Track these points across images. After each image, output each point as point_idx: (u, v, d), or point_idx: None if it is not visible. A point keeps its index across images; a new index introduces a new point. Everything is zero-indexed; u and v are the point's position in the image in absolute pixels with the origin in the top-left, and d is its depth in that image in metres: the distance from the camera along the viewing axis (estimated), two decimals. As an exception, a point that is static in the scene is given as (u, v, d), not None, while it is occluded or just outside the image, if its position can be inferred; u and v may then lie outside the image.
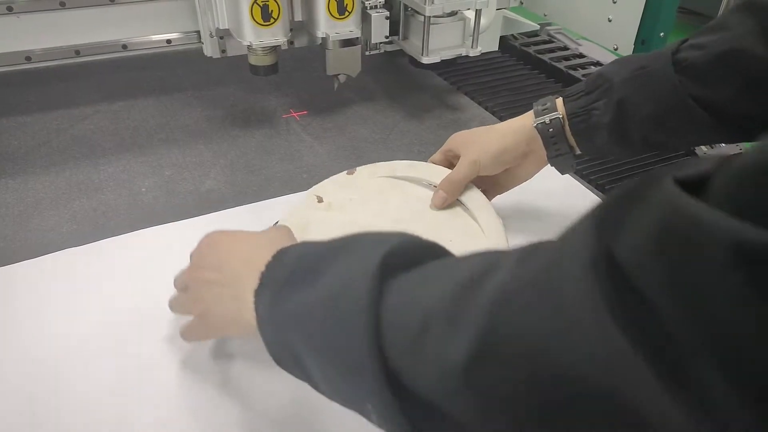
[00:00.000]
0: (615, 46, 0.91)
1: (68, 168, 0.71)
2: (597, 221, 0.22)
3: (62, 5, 0.75)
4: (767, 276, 0.16)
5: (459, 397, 0.25)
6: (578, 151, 0.57)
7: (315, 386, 0.34)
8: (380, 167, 0.65)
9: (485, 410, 0.25)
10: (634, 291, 0.19)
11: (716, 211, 0.17)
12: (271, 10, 0.72)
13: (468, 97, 0.92)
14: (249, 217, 0.64)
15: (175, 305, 0.47)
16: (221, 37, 0.80)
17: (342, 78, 0.83)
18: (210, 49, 0.81)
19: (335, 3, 0.75)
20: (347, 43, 0.79)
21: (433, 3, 0.75)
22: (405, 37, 0.85)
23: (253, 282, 0.37)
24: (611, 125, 0.53)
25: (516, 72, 1.01)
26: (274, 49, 0.76)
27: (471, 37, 0.82)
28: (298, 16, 0.79)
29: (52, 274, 0.56)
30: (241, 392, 0.46)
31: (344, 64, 0.81)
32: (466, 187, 0.62)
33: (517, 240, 0.62)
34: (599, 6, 0.90)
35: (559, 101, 0.57)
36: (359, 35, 0.79)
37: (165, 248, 0.59)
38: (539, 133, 0.57)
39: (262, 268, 0.37)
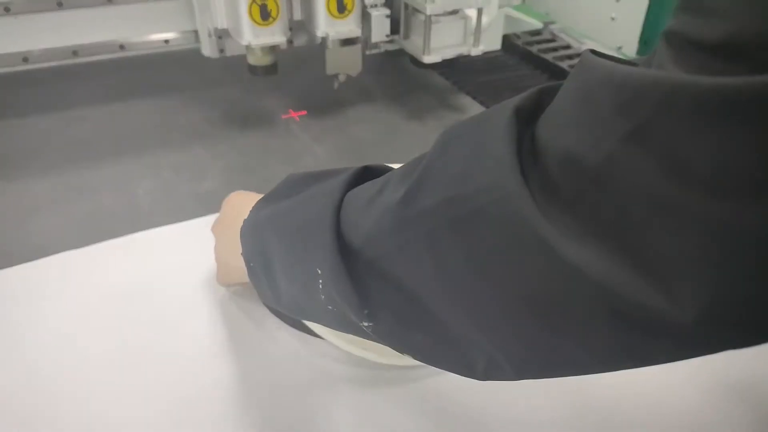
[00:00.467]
0: (619, 46, 0.90)
1: (65, 170, 0.71)
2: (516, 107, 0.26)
3: (59, 5, 0.74)
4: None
5: (392, 237, 0.29)
6: None
7: (276, 293, 0.39)
8: None
9: (410, 245, 0.28)
10: (534, 140, 0.25)
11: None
12: (270, 10, 0.71)
13: (470, 97, 0.91)
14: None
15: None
16: (219, 37, 0.79)
17: (342, 78, 0.82)
18: (208, 49, 0.80)
19: (335, 1, 0.74)
20: (347, 42, 0.78)
21: (434, 2, 0.74)
22: (406, 36, 0.84)
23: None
24: None
25: (518, 71, 1.00)
26: (273, 48, 0.75)
27: (473, 36, 0.81)
28: (298, 15, 0.78)
29: (49, 277, 0.55)
30: (240, 390, 0.45)
31: (344, 64, 0.81)
32: None
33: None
34: (602, 4, 0.89)
35: None
36: (359, 34, 0.78)
37: (163, 250, 0.58)
38: None
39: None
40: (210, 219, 0.62)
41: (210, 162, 0.73)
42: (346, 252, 0.31)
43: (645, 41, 0.86)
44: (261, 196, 0.45)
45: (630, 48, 0.88)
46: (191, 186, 0.69)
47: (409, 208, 0.28)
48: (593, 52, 0.24)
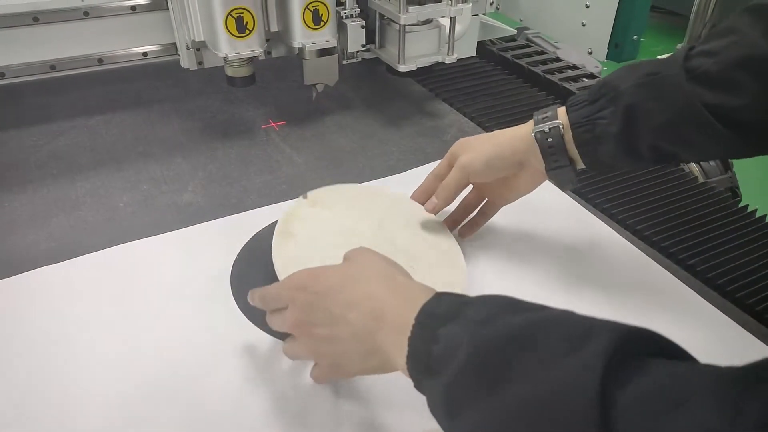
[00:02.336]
0: (589, 50, 0.92)
1: (45, 185, 0.71)
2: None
3: (36, 20, 0.74)
4: None
5: None
6: (580, 165, 0.54)
7: None
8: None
9: None
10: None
11: None
12: (246, 22, 0.72)
13: (446, 104, 0.93)
14: (228, 229, 0.64)
15: (291, 354, 0.47)
16: (198, 49, 0.80)
17: (320, 87, 0.84)
18: (187, 62, 0.81)
19: (310, 13, 0.75)
20: (324, 52, 0.80)
21: (407, 12, 0.76)
22: (381, 45, 0.85)
23: (394, 344, 0.37)
24: (619, 135, 0.50)
25: (494, 77, 1.02)
26: (251, 60, 0.77)
27: (447, 44, 0.83)
28: (274, 27, 0.79)
29: (30, 293, 0.56)
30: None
31: (321, 74, 0.82)
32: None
33: (498, 260, 0.62)
34: (573, 10, 0.92)
35: (562, 110, 0.54)
36: (335, 44, 0.79)
37: (144, 263, 0.59)
38: (537, 142, 0.54)
39: (397, 320, 0.37)
40: (191, 230, 0.63)
41: (190, 173, 0.74)
42: None
43: (615, 45, 0.89)
44: (330, 270, 0.43)
45: (600, 52, 0.90)
46: (171, 198, 0.69)
47: None
48: None
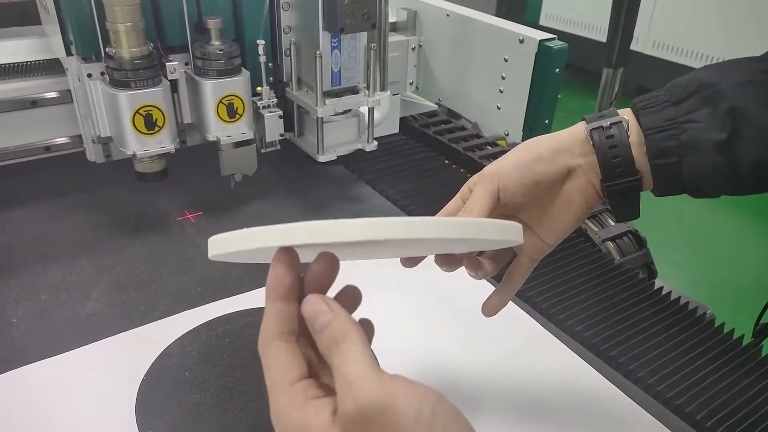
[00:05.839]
0: (506, 132, 0.95)
1: (-74, 298, 0.64)
2: None
3: None
4: None
5: None
6: (647, 185, 0.41)
7: None
8: None
9: None
10: None
11: None
12: (156, 119, 0.69)
13: (369, 186, 0.92)
14: (134, 345, 0.59)
15: None
16: (105, 143, 0.76)
17: (238, 177, 0.81)
18: (93, 155, 0.77)
19: (224, 107, 0.74)
20: (241, 143, 0.78)
21: (324, 104, 0.76)
22: (300, 134, 0.84)
23: None
24: (721, 144, 0.38)
25: (417, 155, 1.03)
26: (163, 155, 0.73)
27: (366, 132, 0.83)
28: (188, 119, 0.77)
29: None
30: None
31: (239, 164, 0.80)
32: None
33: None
34: (488, 94, 0.94)
35: (626, 112, 0.42)
36: (252, 136, 0.78)
37: (36, 391, 0.54)
38: (593, 142, 0.40)
39: None
40: (91, 348, 0.58)
41: (95, 277, 0.69)
42: None
43: (530, 128, 0.92)
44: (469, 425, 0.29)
45: (516, 134, 0.93)
46: (72, 308, 0.64)
47: None
48: None
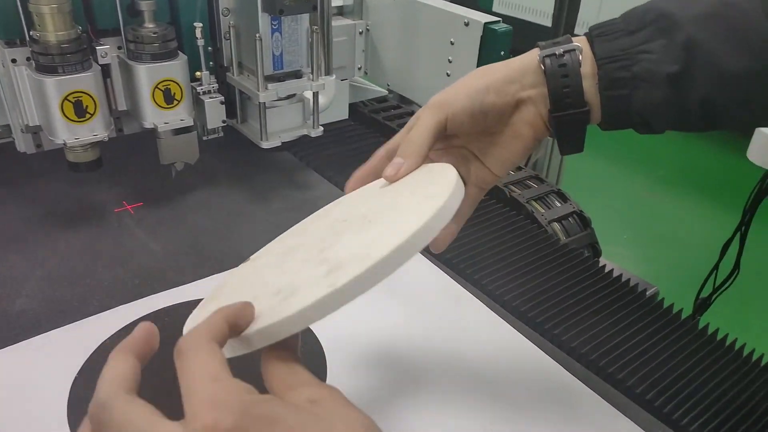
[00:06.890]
0: (454, 116, 0.94)
1: None
2: None
3: None
4: None
5: None
6: (595, 118, 0.41)
7: None
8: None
9: None
10: None
11: None
12: (86, 106, 0.66)
13: (317, 173, 0.91)
14: (66, 342, 0.56)
15: None
16: (35, 132, 0.72)
17: (179, 166, 0.79)
18: (23, 145, 0.73)
19: (161, 92, 0.71)
20: (181, 131, 0.75)
21: (266, 89, 0.74)
22: (243, 120, 0.82)
23: None
24: (673, 78, 0.37)
25: (366, 140, 1.02)
26: (96, 143, 0.70)
27: (312, 117, 0.82)
28: (122, 106, 0.74)
29: None
30: None
31: (180, 152, 0.77)
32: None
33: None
34: (435, 78, 0.94)
35: (581, 39, 0.41)
36: (192, 123, 0.75)
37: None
38: (544, 69, 0.39)
39: None
40: (20, 347, 0.55)
41: (26, 273, 0.66)
42: None
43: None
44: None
45: (464, 118, 0.93)
46: (1, 307, 0.61)
47: None
48: None
